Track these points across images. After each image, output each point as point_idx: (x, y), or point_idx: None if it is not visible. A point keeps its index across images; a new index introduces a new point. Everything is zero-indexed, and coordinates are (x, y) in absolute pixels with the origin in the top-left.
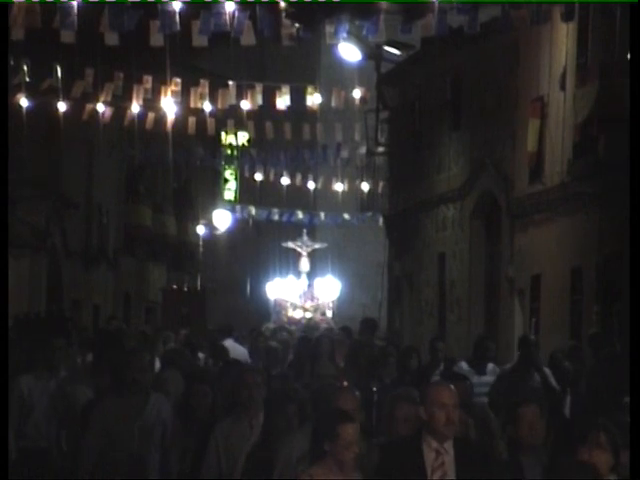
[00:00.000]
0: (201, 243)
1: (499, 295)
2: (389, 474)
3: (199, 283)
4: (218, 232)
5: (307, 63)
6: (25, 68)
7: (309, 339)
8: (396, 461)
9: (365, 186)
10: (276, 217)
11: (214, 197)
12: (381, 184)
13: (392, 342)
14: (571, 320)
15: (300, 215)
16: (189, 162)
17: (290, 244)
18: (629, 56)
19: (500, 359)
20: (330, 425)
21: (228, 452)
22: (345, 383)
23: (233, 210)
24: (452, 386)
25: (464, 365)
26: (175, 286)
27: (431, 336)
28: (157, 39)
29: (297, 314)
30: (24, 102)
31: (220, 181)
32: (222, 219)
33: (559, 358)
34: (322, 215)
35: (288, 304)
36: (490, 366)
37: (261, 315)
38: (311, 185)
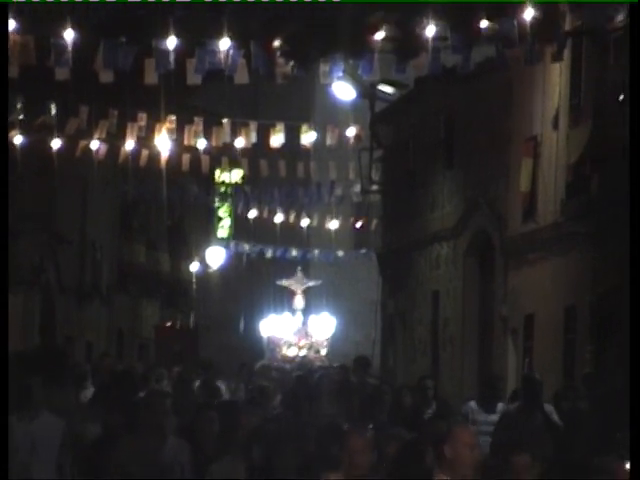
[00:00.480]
0: (194, 280)
1: (492, 334)
2: None
3: (192, 320)
4: (212, 269)
5: (301, 101)
6: (19, 105)
7: (306, 378)
8: None
9: (359, 224)
10: (270, 254)
11: (208, 234)
12: (375, 222)
13: (385, 381)
14: (565, 359)
15: (294, 252)
16: (183, 199)
17: (284, 282)
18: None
19: None
20: (314, 472)
21: None
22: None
23: (227, 247)
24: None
25: (473, 404)
26: (168, 323)
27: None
28: (152, 77)
29: (291, 352)
30: (18, 139)
31: (214, 218)
32: (216, 256)
33: (570, 398)
34: (316, 252)
35: (282, 342)
36: (500, 405)
37: (255, 352)
38: (305, 222)
